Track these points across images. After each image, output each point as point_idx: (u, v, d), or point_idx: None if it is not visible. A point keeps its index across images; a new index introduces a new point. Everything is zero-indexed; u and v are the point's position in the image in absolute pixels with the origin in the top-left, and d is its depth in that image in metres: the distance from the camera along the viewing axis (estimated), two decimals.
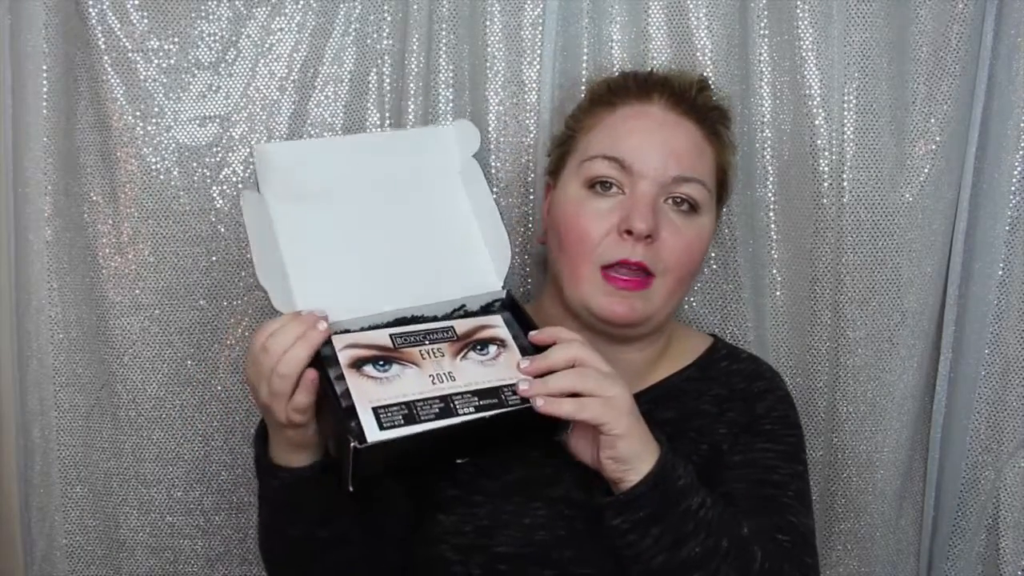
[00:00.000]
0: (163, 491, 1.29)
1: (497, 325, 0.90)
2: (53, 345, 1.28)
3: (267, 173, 0.91)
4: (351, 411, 0.79)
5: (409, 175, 0.97)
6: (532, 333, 0.87)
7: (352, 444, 0.76)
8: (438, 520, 0.96)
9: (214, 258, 1.26)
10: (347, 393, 0.81)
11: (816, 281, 1.21)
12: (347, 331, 0.86)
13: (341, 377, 0.82)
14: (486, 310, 0.93)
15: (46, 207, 1.26)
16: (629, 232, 0.92)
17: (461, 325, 0.89)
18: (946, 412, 1.24)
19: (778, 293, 1.22)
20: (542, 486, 0.96)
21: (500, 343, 0.88)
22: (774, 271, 1.22)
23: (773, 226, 1.20)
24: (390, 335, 0.86)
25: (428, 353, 0.85)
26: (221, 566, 1.31)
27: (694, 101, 0.99)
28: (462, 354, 0.87)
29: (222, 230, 1.25)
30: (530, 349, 0.88)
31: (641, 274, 0.94)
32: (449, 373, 0.84)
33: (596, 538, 0.90)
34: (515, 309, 0.93)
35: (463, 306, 0.93)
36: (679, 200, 0.95)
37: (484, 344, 0.88)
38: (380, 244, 0.93)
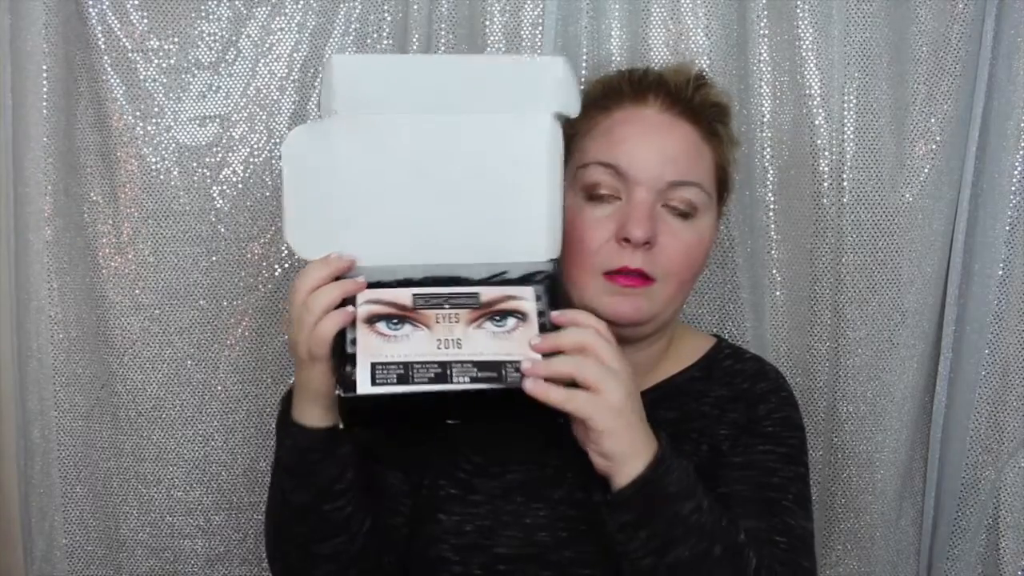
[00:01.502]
0: (163, 491, 1.29)
1: (525, 298, 0.87)
2: (53, 345, 1.28)
3: (343, 87, 0.86)
4: (352, 359, 0.82)
5: (493, 108, 0.89)
6: (554, 314, 0.85)
7: (337, 392, 0.80)
8: (438, 520, 0.96)
9: (214, 258, 1.26)
10: (354, 343, 0.83)
11: (816, 281, 1.21)
12: (379, 282, 0.87)
13: (353, 326, 0.84)
14: (526, 280, 0.90)
15: (46, 207, 1.27)
16: (627, 240, 0.92)
17: (487, 293, 0.87)
18: (946, 412, 1.24)
19: (778, 293, 1.22)
20: (544, 487, 0.96)
21: (520, 316, 0.86)
22: (774, 271, 1.22)
23: (773, 226, 1.20)
24: (413, 295, 0.87)
25: (443, 318, 0.85)
26: (221, 566, 1.31)
27: (690, 100, 0.97)
28: (477, 323, 0.85)
29: (222, 230, 1.25)
30: (550, 327, 0.85)
31: (641, 277, 0.93)
32: (457, 340, 0.84)
33: (596, 539, 0.90)
34: (554, 286, 0.89)
35: (504, 272, 0.90)
36: (676, 205, 0.94)
37: (504, 315, 0.86)
38: (439, 185, 0.89)
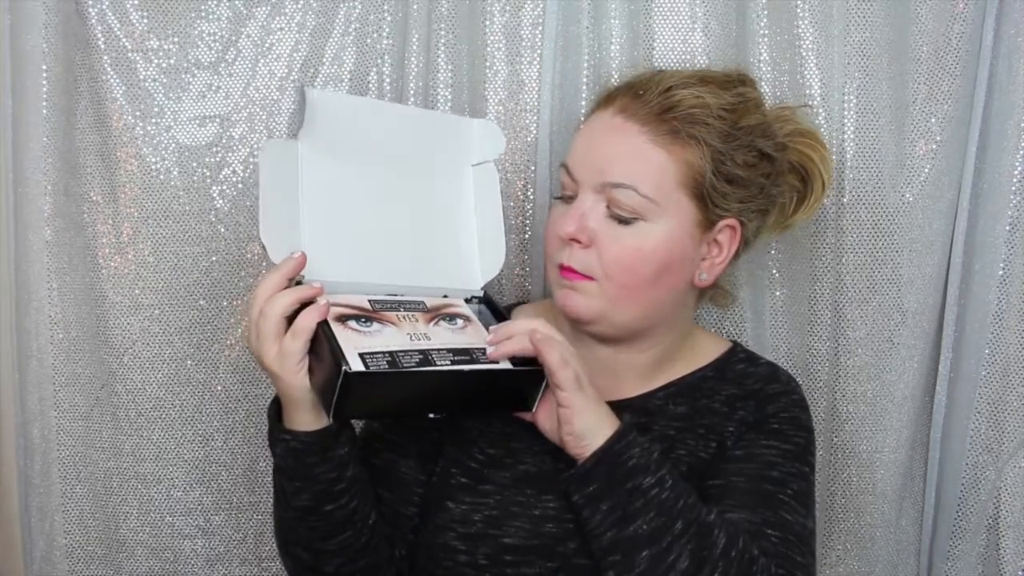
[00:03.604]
0: (163, 491, 1.29)
1: (462, 306, 0.99)
2: (53, 345, 1.28)
3: (314, 118, 0.94)
4: (339, 350, 0.84)
5: (430, 156, 1.02)
6: (488, 337, 0.92)
7: (344, 368, 0.82)
8: (447, 508, 0.97)
9: (214, 258, 1.26)
10: (335, 338, 0.86)
11: (816, 281, 1.21)
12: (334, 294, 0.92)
13: (327, 325, 0.87)
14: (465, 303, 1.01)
15: (46, 207, 1.26)
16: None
17: (430, 301, 0.97)
18: (946, 412, 1.24)
19: (777, 292, 1.22)
20: (556, 479, 0.96)
21: (465, 318, 0.96)
22: (774, 271, 1.22)
23: None
24: (369, 300, 0.93)
25: (403, 318, 0.92)
26: (221, 566, 1.31)
27: (647, 104, 0.96)
28: (434, 321, 0.94)
29: (222, 230, 1.25)
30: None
31: (574, 273, 0.96)
32: (425, 334, 0.91)
33: None
34: (490, 305, 1.01)
35: (444, 296, 0.99)
36: (616, 209, 0.95)
37: (453, 317, 0.96)
38: (387, 215, 0.99)
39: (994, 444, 1.22)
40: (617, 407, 0.99)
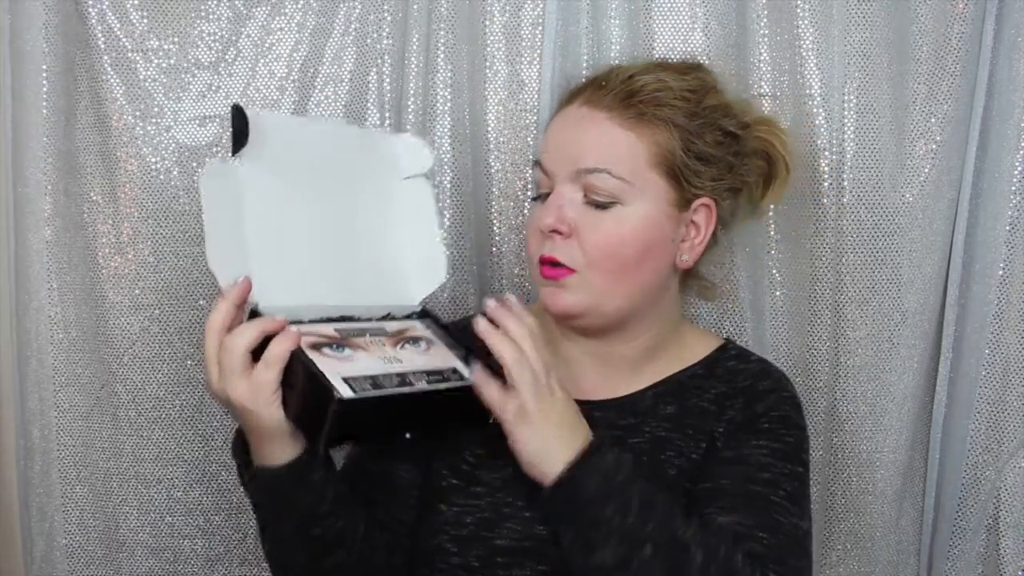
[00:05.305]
0: (163, 491, 1.29)
1: (418, 328, 0.99)
2: (53, 345, 1.28)
3: (255, 138, 0.92)
4: (324, 377, 0.83)
5: (359, 173, 1.01)
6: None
7: (337, 396, 0.80)
8: (439, 510, 0.97)
9: None
10: (315, 366, 0.84)
11: (816, 281, 1.21)
12: (300, 321, 0.90)
13: (303, 353, 0.85)
14: (408, 319, 1.02)
15: (46, 207, 1.27)
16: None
17: (389, 326, 0.97)
18: (946, 412, 1.24)
19: (778, 293, 1.22)
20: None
21: (427, 340, 0.97)
22: (774, 271, 1.22)
23: (773, 226, 1.20)
24: (334, 328, 0.92)
25: (370, 343, 0.92)
26: (221, 566, 1.32)
27: (611, 91, 0.98)
28: (400, 345, 0.94)
29: None
30: (454, 345, 0.96)
31: (557, 266, 0.96)
32: (395, 357, 0.91)
33: None
34: (435, 320, 1.01)
35: (389, 313, 0.99)
36: (592, 196, 0.96)
37: (416, 340, 0.96)
38: (324, 234, 0.97)
39: (994, 444, 1.22)
40: (607, 406, 1.00)
